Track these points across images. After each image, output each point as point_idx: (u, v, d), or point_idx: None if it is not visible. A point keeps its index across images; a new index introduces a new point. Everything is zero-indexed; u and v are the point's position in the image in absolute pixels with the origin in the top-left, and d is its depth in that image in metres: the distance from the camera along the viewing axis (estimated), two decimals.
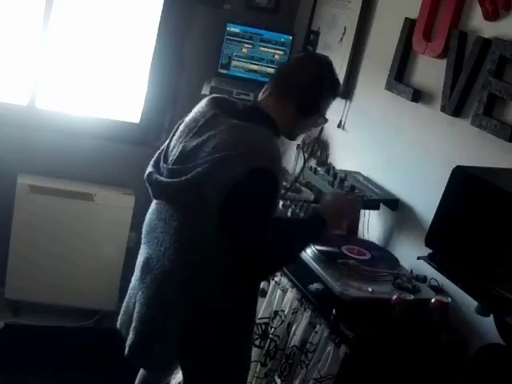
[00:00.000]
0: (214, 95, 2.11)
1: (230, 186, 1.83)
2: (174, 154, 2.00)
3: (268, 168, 1.87)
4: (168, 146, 2.08)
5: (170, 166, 1.99)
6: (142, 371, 2.48)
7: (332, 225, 2.10)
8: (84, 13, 3.39)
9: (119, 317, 2.24)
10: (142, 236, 2.14)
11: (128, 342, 2.11)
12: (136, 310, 2.09)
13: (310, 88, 2.05)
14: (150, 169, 2.05)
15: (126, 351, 2.12)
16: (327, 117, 2.18)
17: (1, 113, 3.34)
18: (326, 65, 2.12)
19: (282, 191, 2.47)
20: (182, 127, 2.06)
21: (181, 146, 1.98)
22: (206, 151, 1.88)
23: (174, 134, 2.09)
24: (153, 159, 2.10)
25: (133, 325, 2.09)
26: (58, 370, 3.14)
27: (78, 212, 3.40)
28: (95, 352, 3.25)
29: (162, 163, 2.03)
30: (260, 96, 2.11)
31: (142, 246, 2.15)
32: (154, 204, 2.11)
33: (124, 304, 2.22)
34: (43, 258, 3.37)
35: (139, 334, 2.07)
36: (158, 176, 1.99)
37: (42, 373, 3.10)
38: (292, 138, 2.22)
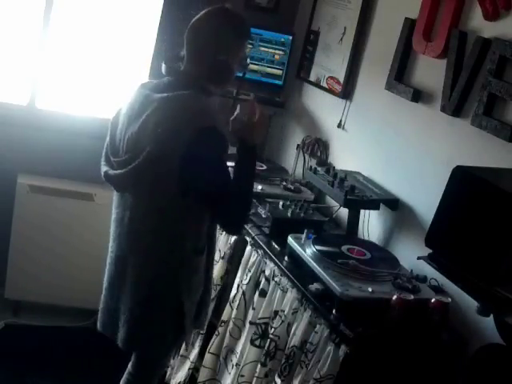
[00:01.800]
0: (143, 81, 2.20)
1: (183, 150, 1.93)
2: (122, 146, 2.10)
3: (212, 125, 1.97)
4: (113, 140, 2.17)
5: (122, 158, 2.08)
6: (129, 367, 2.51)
7: (257, 138, 2.11)
8: (84, 13, 3.39)
9: (99, 319, 2.36)
10: (111, 232, 2.27)
11: (122, 336, 2.21)
12: (123, 302, 2.21)
13: (216, 43, 2.08)
14: (104, 168, 2.18)
15: (123, 344, 2.22)
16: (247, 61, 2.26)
17: (1, 113, 3.34)
18: (225, 14, 2.13)
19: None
20: (121, 118, 2.14)
21: (126, 136, 2.07)
22: (150, 129, 1.98)
23: (114, 128, 2.18)
24: (102, 158, 2.22)
25: (123, 318, 2.20)
26: (58, 370, 3.14)
27: (78, 212, 3.39)
28: (95, 352, 3.25)
29: (112, 158, 2.14)
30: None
31: (110, 243, 2.29)
32: (116, 197, 2.23)
33: (102, 306, 2.35)
34: (43, 258, 3.37)
35: (135, 322, 2.17)
36: (113, 171, 2.11)
37: (42, 373, 3.10)
38: (222, 86, 2.20)
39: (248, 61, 2.24)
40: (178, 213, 2.06)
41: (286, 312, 2.41)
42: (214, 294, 2.72)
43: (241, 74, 2.32)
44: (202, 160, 1.95)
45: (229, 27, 2.10)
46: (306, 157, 3.28)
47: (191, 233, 2.13)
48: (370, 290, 2.20)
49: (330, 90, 3.24)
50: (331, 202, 2.95)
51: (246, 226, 2.75)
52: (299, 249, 2.45)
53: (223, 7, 2.14)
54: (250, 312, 2.60)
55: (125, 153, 2.07)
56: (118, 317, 2.22)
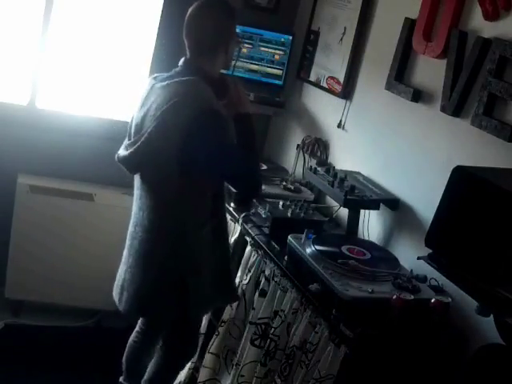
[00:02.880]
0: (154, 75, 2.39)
1: (183, 130, 2.07)
2: (132, 132, 2.29)
3: (212, 108, 2.11)
4: (129, 128, 2.35)
5: (130, 140, 2.26)
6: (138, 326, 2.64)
7: (246, 105, 2.30)
8: (84, 13, 3.39)
9: (114, 288, 2.46)
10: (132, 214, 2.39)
11: (131, 301, 2.35)
12: (128, 270, 2.35)
13: (211, 33, 2.25)
14: (118, 151, 2.32)
15: (135, 308, 2.36)
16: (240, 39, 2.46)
17: (1, 113, 3.34)
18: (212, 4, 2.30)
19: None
20: (135, 109, 2.34)
21: (134, 122, 2.29)
22: (152, 114, 2.16)
23: (131, 119, 2.36)
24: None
25: (127, 285, 2.35)
26: (58, 369, 3.14)
27: (78, 212, 3.39)
28: (95, 352, 3.25)
29: (126, 142, 2.30)
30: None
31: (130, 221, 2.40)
32: (135, 179, 2.36)
33: (117, 277, 2.46)
34: (43, 258, 3.37)
35: (144, 288, 2.31)
36: (122, 152, 2.27)
37: (42, 373, 3.10)
38: (227, 67, 2.40)
39: (240, 38, 2.45)
40: (178, 190, 2.19)
41: (285, 312, 2.41)
42: None
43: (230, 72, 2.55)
44: (204, 138, 2.07)
45: (224, 14, 2.26)
46: (306, 157, 3.28)
47: (191, 208, 2.25)
48: (369, 289, 2.20)
49: (329, 90, 3.24)
50: (331, 202, 2.95)
51: (246, 226, 2.76)
52: (299, 249, 2.45)
53: None
54: (250, 312, 2.60)
55: (132, 136, 2.27)
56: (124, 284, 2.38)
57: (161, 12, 3.43)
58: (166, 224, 2.27)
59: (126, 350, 2.66)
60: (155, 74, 2.35)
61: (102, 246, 3.45)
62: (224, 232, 2.44)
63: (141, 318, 2.66)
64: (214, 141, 2.10)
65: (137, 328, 2.68)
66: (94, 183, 3.49)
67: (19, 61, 3.37)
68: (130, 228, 2.39)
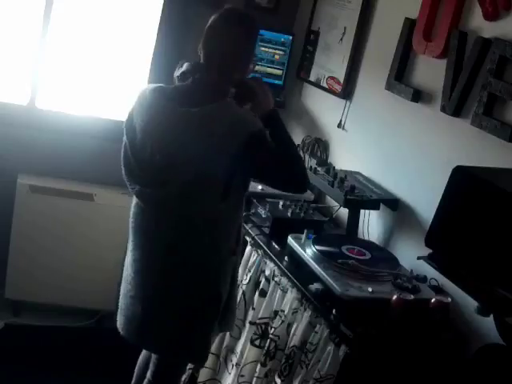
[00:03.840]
0: (151, 87, 2.14)
1: (237, 158, 1.96)
2: (153, 161, 2.06)
3: (258, 127, 2.00)
4: (135, 150, 2.13)
5: (153, 178, 2.07)
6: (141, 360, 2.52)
7: (271, 101, 2.17)
8: (84, 13, 3.39)
9: (118, 319, 2.27)
10: (132, 235, 2.25)
11: (134, 330, 2.20)
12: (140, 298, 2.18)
13: (231, 49, 2.09)
14: (133, 186, 2.16)
15: (136, 336, 2.21)
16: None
17: (1, 113, 3.34)
18: (229, 19, 2.13)
19: None
20: (142, 127, 2.09)
21: (158, 153, 2.04)
22: (192, 148, 1.97)
23: (132, 136, 2.13)
24: (125, 171, 2.19)
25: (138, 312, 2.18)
26: (58, 369, 3.14)
27: (78, 212, 3.39)
28: (95, 352, 3.25)
29: (138, 172, 2.12)
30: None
31: (136, 249, 2.22)
32: (138, 207, 2.20)
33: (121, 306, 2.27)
34: (43, 258, 3.37)
35: (150, 313, 2.17)
36: (145, 188, 2.10)
37: (42, 373, 3.10)
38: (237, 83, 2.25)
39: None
40: (215, 216, 2.09)
41: (285, 312, 2.41)
42: None
43: None
44: (257, 158, 2.00)
45: (247, 32, 2.12)
46: (306, 157, 3.28)
47: (227, 234, 2.15)
48: (369, 289, 2.20)
49: (330, 90, 3.24)
50: (331, 202, 2.95)
51: (246, 226, 2.75)
52: (299, 249, 2.45)
53: (235, 9, 2.17)
54: (250, 312, 2.60)
55: (158, 170, 2.06)
56: (149, 323, 2.20)
57: (161, 12, 3.43)
58: (197, 252, 2.13)
59: (140, 358, 2.56)
60: (153, 87, 2.13)
61: (102, 246, 3.45)
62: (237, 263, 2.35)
63: None
64: (266, 157, 2.02)
65: None
66: (93, 183, 3.48)
67: (19, 61, 3.37)
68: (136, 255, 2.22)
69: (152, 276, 2.18)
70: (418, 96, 2.62)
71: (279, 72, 3.53)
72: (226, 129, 1.96)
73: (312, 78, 3.40)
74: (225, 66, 2.07)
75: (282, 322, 2.41)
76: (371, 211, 2.74)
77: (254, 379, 2.46)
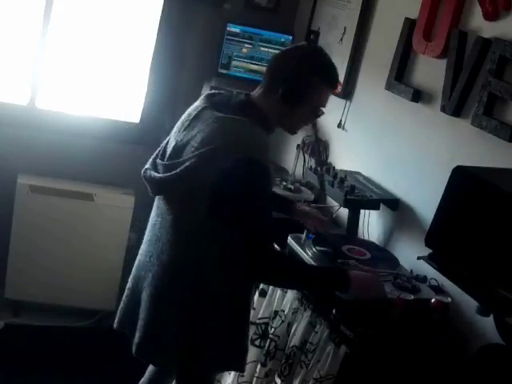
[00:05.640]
0: (213, 90, 2.16)
1: (217, 177, 1.88)
2: (168, 150, 2.07)
3: (252, 157, 1.90)
4: (167, 142, 2.14)
5: (165, 162, 2.04)
6: (148, 372, 2.46)
7: (356, 290, 2.05)
8: (84, 13, 3.39)
9: (117, 318, 2.23)
10: (145, 235, 2.18)
11: (136, 341, 2.10)
12: (141, 308, 2.09)
13: (292, 75, 2.00)
14: (146, 165, 2.11)
15: (134, 350, 2.10)
16: (323, 109, 2.13)
17: (1, 113, 3.34)
18: (313, 51, 2.09)
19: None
20: (178, 123, 2.11)
21: (174, 141, 2.05)
22: (194, 146, 1.95)
23: (172, 131, 2.15)
24: (152, 156, 2.15)
25: (139, 323, 2.09)
26: (58, 370, 3.14)
27: (78, 212, 3.40)
28: (95, 352, 3.25)
29: (158, 160, 2.08)
30: (255, 89, 2.11)
31: (142, 245, 2.18)
32: (155, 201, 2.15)
33: (122, 306, 2.22)
34: (43, 258, 3.37)
35: (147, 331, 2.07)
36: (153, 172, 2.04)
37: (42, 373, 3.10)
38: (289, 130, 2.23)
39: (322, 111, 2.13)
40: (203, 234, 1.98)
41: (285, 312, 2.41)
42: None
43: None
44: (234, 187, 1.89)
45: (318, 70, 2.03)
46: (306, 157, 3.28)
47: (216, 251, 2.01)
48: None
49: None
50: (331, 202, 2.95)
51: None
52: (299, 249, 2.45)
53: (317, 48, 2.12)
54: (250, 312, 2.60)
55: (167, 158, 2.05)
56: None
57: (161, 12, 3.43)
58: (187, 261, 2.03)
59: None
60: (211, 92, 2.13)
61: (102, 246, 3.45)
62: (247, 294, 2.16)
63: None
64: (245, 193, 1.89)
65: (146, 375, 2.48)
66: (93, 183, 3.49)
67: (19, 61, 3.38)
68: (142, 257, 2.16)
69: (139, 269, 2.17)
70: (418, 96, 2.62)
71: None
72: (220, 146, 1.89)
73: None
74: (269, 83, 2.05)
75: (282, 322, 2.41)
76: (371, 211, 2.74)
77: (254, 379, 2.46)
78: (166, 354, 2.09)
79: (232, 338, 2.12)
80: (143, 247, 2.17)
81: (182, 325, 2.04)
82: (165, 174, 1.99)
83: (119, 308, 2.24)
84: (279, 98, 2.02)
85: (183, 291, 2.03)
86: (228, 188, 1.89)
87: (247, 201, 1.91)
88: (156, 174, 2.02)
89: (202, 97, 2.11)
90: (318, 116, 2.17)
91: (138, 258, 2.19)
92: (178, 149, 2.01)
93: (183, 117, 2.10)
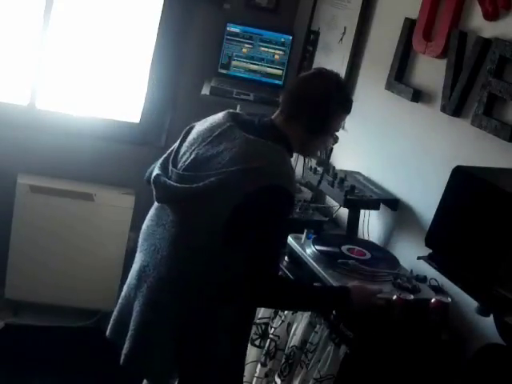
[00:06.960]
0: (231, 110, 2.13)
1: (241, 200, 1.86)
2: (184, 161, 2.02)
3: (280, 185, 1.89)
4: (177, 151, 2.08)
5: (180, 172, 1.99)
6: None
7: (357, 305, 2.09)
8: (84, 13, 3.39)
9: (110, 326, 2.21)
10: (139, 244, 2.13)
11: (124, 351, 2.06)
12: (132, 318, 2.06)
13: (317, 107, 2.04)
14: (156, 171, 2.05)
15: (122, 360, 2.07)
16: (337, 134, 2.17)
17: (1, 113, 3.34)
18: (334, 80, 2.10)
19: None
20: (194, 134, 2.07)
21: (193, 154, 2.00)
22: (222, 163, 1.91)
23: (183, 140, 2.10)
24: (159, 162, 2.10)
25: (129, 333, 2.05)
26: (58, 369, 3.14)
27: (78, 212, 3.40)
28: (95, 352, 3.25)
29: (170, 167, 2.03)
30: (275, 114, 2.10)
31: (137, 253, 2.14)
32: (153, 210, 2.10)
33: (115, 313, 2.19)
34: (43, 258, 3.37)
35: (136, 343, 2.04)
36: (167, 180, 1.99)
37: (42, 373, 3.10)
38: (308, 155, 2.27)
39: (337, 136, 2.19)
40: (210, 252, 1.95)
41: (285, 312, 2.40)
42: None
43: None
44: (255, 214, 1.88)
45: (340, 99, 2.09)
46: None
47: (218, 275, 1.98)
48: None
49: None
50: (331, 201, 2.95)
51: None
52: (299, 249, 2.45)
53: (335, 75, 2.12)
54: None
55: (184, 169, 2.00)
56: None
57: (161, 12, 3.43)
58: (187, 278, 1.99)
59: None
60: (232, 111, 2.12)
61: (102, 246, 3.45)
62: (246, 328, 2.18)
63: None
64: (263, 218, 1.88)
65: None
66: (93, 183, 3.49)
67: (19, 61, 3.38)
68: (137, 266, 2.10)
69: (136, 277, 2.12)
70: (418, 96, 2.62)
71: (279, 72, 3.53)
72: (251, 169, 1.88)
73: None
74: (294, 107, 2.06)
75: (282, 321, 2.41)
76: (371, 211, 2.74)
77: (254, 379, 2.46)
78: (153, 368, 2.05)
79: (231, 359, 2.11)
80: (139, 256, 2.12)
81: (175, 340, 2.01)
82: (183, 185, 1.94)
83: (112, 316, 2.21)
84: (303, 126, 2.04)
85: (182, 307, 1.99)
86: (250, 212, 1.88)
87: (266, 228, 1.90)
88: (172, 183, 1.97)
89: (222, 114, 2.08)
90: (336, 141, 2.21)
91: (133, 266, 2.15)
92: (200, 162, 1.97)
93: (202, 130, 2.05)
